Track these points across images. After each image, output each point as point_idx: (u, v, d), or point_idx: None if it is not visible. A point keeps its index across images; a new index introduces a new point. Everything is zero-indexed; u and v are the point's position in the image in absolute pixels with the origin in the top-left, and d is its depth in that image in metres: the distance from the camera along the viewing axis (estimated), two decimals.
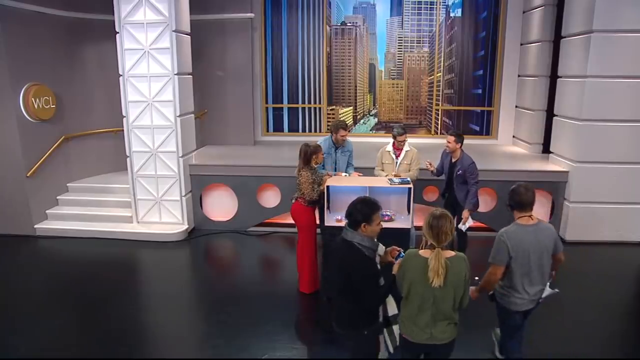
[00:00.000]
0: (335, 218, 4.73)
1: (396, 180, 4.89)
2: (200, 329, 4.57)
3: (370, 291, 2.80)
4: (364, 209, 2.81)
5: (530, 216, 3.12)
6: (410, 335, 2.84)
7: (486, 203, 6.56)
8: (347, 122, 5.85)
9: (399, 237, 4.34)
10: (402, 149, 5.42)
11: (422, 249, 2.79)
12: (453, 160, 5.32)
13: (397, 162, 5.41)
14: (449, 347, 2.88)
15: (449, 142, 5.26)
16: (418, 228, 6.20)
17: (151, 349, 4.26)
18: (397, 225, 4.66)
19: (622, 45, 5.93)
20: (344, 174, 5.36)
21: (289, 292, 5.13)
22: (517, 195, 3.12)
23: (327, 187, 4.77)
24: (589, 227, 6.45)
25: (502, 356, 3.81)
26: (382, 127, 9.26)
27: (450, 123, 9.10)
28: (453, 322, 2.83)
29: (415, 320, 2.79)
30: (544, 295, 3.26)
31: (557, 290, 3.30)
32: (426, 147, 5.81)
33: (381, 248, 2.99)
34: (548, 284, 3.27)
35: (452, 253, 2.73)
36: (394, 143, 5.44)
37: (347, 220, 2.89)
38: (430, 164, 5.42)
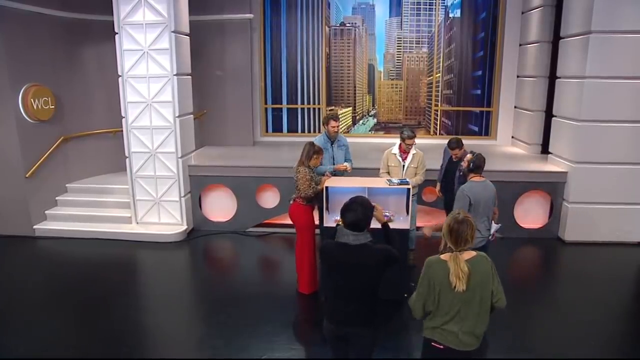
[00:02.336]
0: (334, 219, 4.71)
1: (395, 180, 4.88)
2: (199, 329, 4.56)
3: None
4: (367, 211, 2.83)
5: (479, 175, 4.21)
6: (445, 342, 2.71)
7: None
8: (338, 114, 5.81)
9: (397, 238, 4.34)
10: (409, 152, 5.35)
11: (441, 252, 2.73)
12: (454, 159, 5.27)
13: (404, 166, 5.30)
14: (476, 353, 2.76)
15: (455, 155, 5.24)
16: (419, 229, 6.23)
17: (150, 350, 4.25)
18: (396, 226, 4.64)
19: (620, 46, 5.93)
20: (346, 163, 5.38)
21: (288, 293, 5.13)
22: (478, 161, 4.22)
23: (326, 188, 4.76)
24: (587, 228, 6.46)
25: None
26: (381, 127, 9.27)
27: (450, 124, 9.10)
28: (483, 325, 2.71)
29: (448, 326, 2.69)
30: (492, 230, 4.27)
31: (500, 224, 4.37)
32: (425, 148, 5.79)
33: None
34: (493, 222, 4.28)
35: (472, 254, 2.67)
36: (400, 145, 5.35)
37: (351, 227, 2.80)
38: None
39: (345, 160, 5.57)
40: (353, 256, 2.79)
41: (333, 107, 9.17)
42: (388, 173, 5.42)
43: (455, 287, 2.56)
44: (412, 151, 5.31)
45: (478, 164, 4.21)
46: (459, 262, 2.59)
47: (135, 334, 4.45)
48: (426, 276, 2.68)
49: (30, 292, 5.25)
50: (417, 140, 5.35)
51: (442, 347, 2.71)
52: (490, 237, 4.26)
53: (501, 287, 2.71)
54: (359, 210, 2.79)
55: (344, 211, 2.83)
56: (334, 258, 2.86)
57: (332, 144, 5.49)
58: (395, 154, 5.35)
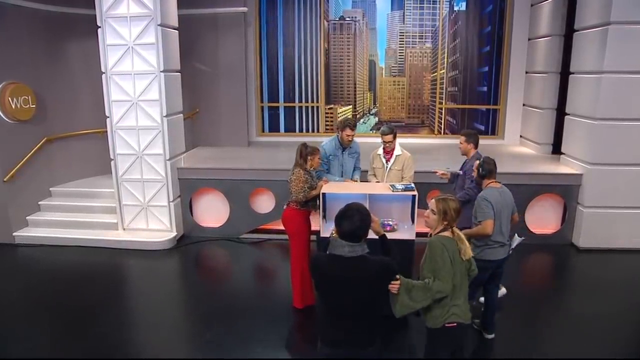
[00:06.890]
0: (332, 228, 4.31)
1: (399, 186, 4.47)
2: (186, 349, 4.18)
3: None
4: (365, 219, 2.56)
5: (495, 181, 3.92)
6: (456, 319, 2.85)
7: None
8: (355, 122, 5.41)
9: (401, 249, 3.92)
10: (392, 152, 4.94)
11: (434, 234, 2.94)
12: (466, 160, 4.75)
13: (387, 167, 4.94)
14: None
15: (460, 143, 4.71)
16: (421, 235, 5.83)
17: None
18: (400, 236, 4.25)
19: None
20: (355, 178, 5.01)
21: (283, 307, 4.74)
22: (488, 166, 3.90)
23: (323, 194, 4.37)
24: (604, 234, 6.07)
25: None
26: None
27: (455, 122, 8.71)
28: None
29: (454, 302, 2.84)
30: (514, 244, 4.01)
31: (523, 237, 4.11)
32: (429, 148, 5.40)
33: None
34: (516, 234, 4.04)
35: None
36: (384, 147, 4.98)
37: (347, 237, 2.53)
38: (444, 174, 4.84)
39: (354, 169, 5.20)
40: (348, 270, 2.51)
41: (332, 106, 8.81)
42: (374, 175, 5.04)
43: (466, 255, 2.83)
44: (397, 152, 4.90)
45: (491, 169, 3.89)
46: (459, 235, 2.87)
47: (119, 349, 4.08)
48: (444, 254, 2.79)
49: (8, 303, 4.92)
50: (420, 140, 4.94)
51: (455, 324, 2.84)
52: (510, 251, 4.00)
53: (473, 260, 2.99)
54: (355, 217, 2.52)
55: (339, 219, 2.56)
56: (327, 273, 2.58)
57: (343, 151, 5.06)
58: (380, 155, 4.99)
